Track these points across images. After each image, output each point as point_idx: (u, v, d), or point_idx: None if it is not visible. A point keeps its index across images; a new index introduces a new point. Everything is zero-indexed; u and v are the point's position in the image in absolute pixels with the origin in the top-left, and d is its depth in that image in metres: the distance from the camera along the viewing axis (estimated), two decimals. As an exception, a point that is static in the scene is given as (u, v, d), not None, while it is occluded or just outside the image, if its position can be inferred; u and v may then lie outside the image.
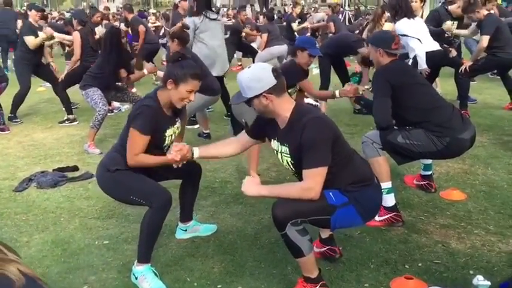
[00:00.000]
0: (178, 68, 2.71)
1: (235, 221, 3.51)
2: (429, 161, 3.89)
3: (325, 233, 2.90)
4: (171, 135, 2.90)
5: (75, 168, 4.62)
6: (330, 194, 2.37)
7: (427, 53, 5.26)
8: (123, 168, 2.78)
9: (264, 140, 2.73)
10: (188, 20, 5.81)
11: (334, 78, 6.58)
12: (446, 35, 6.53)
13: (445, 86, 7.28)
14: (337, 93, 4.33)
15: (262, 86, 2.35)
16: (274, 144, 2.54)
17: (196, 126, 5.99)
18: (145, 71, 5.25)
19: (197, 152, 2.75)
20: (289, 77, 3.95)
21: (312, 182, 2.28)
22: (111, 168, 2.81)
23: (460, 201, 3.68)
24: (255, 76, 2.39)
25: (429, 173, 3.92)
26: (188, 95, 2.74)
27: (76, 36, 6.33)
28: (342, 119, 6.24)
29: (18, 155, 5.19)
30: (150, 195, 2.73)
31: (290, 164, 2.49)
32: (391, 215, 3.33)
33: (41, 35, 6.53)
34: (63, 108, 6.78)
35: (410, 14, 5.38)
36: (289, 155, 2.45)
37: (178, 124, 2.95)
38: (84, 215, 3.68)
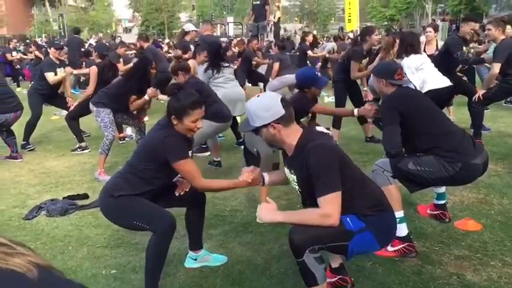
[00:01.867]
0: (176, 102, 2.70)
1: (244, 250, 3.45)
2: (442, 190, 3.82)
3: (335, 263, 2.84)
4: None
5: (85, 196, 4.61)
6: (347, 219, 2.33)
7: (436, 90, 5.21)
8: (127, 193, 2.76)
9: None
10: (202, 73, 5.82)
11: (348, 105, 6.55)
12: (462, 66, 6.53)
13: (458, 115, 7.23)
14: (355, 111, 4.32)
15: (270, 115, 2.34)
16: (287, 171, 2.52)
17: (207, 153, 5.99)
18: (146, 96, 5.28)
19: (267, 178, 2.77)
20: (300, 105, 3.98)
21: (330, 208, 2.23)
22: (114, 193, 2.78)
23: (476, 231, 3.59)
24: (264, 105, 2.38)
25: (443, 202, 3.84)
26: (194, 125, 2.74)
27: (93, 71, 6.43)
28: (353, 148, 6.18)
29: (29, 182, 5.21)
30: (153, 220, 2.71)
31: (299, 192, 2.45)
32: (404, 245, 3.25)
33: (61, 72, 6.70)
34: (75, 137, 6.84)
35: (419, 50, 5.47)
36: (297, 183, 2.43)
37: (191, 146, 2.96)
38: (92, 243, 3.65)
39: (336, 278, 2.84)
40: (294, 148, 2.39)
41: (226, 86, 5.74)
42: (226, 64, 5.97)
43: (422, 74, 5.26)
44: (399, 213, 3.28)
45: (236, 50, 11.72)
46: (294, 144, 2.39)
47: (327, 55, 12.00)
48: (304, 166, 2.30)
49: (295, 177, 2.43)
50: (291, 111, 2.39)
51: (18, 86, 14.24)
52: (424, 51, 6.87)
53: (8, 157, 6.12)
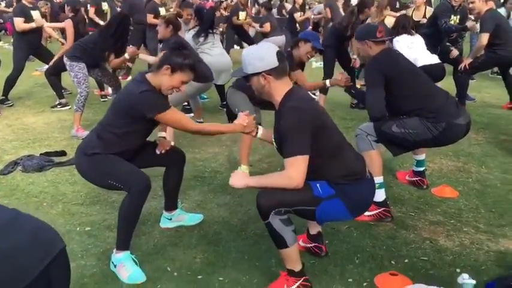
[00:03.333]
0: (179, 57, 2.65)
1: (221, 211, 3.44)
2: (422, 157, 3.83)
3: (313, 229, 2.83)
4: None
5: (62, 153, 4.54)
6: (317, 185, 2.31)
7: (425, 66, 5.13)
8: (100, 152, 2.70)
9: None
10: (188, 37, 5.65)
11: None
12: (451, 36, 6.46)
13: (444, 84, 7.17)
14: (327, 82, 4.32)
15: (263, 65, 2.30)
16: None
17: (191, 114, 5.91)
18: (126, 55, 5.14)
19: (261, 130, 2.76)
20: None
21: (293, 171, 2.21)
22: (87, 151, 2.72)
23: (452, 198, 3.61)
24: (259, 54, 2.35)
25: (422, 169, 3.85)
26: (180, 85, 2.69)
27: (69, 24, 6.21)
28: (338, 113, 6.16)
29: (6, 138, 5.11)
30: (128, 180, 2.66)
31: (276, 149, 2.45)
32: (380, 210, 3.26)
33: (31, 24, 6.44)
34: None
35: (410, 31, 5.49)
36: (274, 139, 2.43)
37: None
38: (68, 200, 3.61)
39: (311, 245, 2.84)
40: (279, 104, 2.35)
41: (212, 53, 5.58)
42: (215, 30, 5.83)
43: (412, 52, 5.20)
44: (379, 179, 3.28)
45: (225, 13, 11.43)
46: (279, 100, 2.35)
47: (312, 16, 11.68)
48: (278, 126, 2.28)
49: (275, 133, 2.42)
50: (285, 65, 2.34)
51: (-1, 40, 13.87)
52: (412, 17, 6.80)
53: (-15, 112, 6.00)
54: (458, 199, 3.61)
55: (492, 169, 4.22)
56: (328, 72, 6.19)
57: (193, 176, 4.08)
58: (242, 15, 9.60)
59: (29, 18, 6.40)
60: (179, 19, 5.55)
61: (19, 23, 6.37)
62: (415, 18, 6.85)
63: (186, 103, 6.05)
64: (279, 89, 2.33)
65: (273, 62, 2.29)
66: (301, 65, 4.42)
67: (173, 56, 2.67)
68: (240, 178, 2.39)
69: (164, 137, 3.14)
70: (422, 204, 3.53)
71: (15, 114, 6.12)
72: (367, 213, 3.24)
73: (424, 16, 7.10)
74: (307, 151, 2.20)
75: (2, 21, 15.47)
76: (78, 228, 3.18)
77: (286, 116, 2.24)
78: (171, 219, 3.20)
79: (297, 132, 2.21)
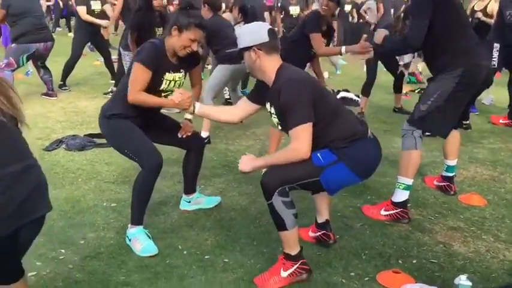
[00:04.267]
0: (185, 16, 2.75)
1: (241, 199, 3.53)
2: (453, 163, 3.74)
3: (320, 218, 2.87)
4: (171, 81, 2.88)
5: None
6: (318, 155, 2.39)
7: None
8: (116, 112, 2.83)
9: (264, 104, 2.66)
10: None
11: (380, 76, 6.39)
12: None
13: (497, 93, 6.91)
14: (343, 49, 4.30)
15: (254, 39, 2.42)
16: (268, 105, 2.57)
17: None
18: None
19: (198, 106, 2.81)
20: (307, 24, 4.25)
21: (298, 142, 2.30)
22: (106, 113, 2.89)
23: (478, 206, 3.51)
24: (251, 29, 2.53)
25: (451, 174, 3.76)
26: (191, 44, 2.76)
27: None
28: (379, 117, 6.10)
29: (57, 119, 5.46)
30: (142, 155, 2.79)
31: (278, 125, 2.54)
32: (397, 210, 3.24)
33: (93, 20, 6.84)
34: (111, 81, 7.07)
35: None
36: (276, 116, 2.50)
37: (181, 74, 2.94)
38: (101, 178, 3.83)
39: (319, 233, 2.88)
40: (272, 81, 2.44)
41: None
42: None
43: None
44: (408, 181, 3.28)
45: None
46: (272, 77, 2.44)
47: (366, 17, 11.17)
48: (278, 101, 2.37)
49: (273, 110, 2.49)
50: (276, 43, 2.46)
51: (70, 30, 14.65)
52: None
53: (44, 94, 6.45)
54: (485, 208, 3.50)
55: (529, 181, 4.05)
56: (370, 75, 6.09)
57: (222, 165, 4.20)
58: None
59: (88, 8, 6.81)
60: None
61: (82, 12, 6.79)
62: (477, 8, 6.55)
63: (228, 96, 6.20)
64: (271, 65, 2.43)
65: (264, 38, 2.41)
66: (328, 31, 4.50)
67: (180, 17, 2.77)
68: (248, 162, 2.48)
69: (190, 120, 3.21)
70: (445, 209, 3.46)
71: (70, 98, 6.52)
72: (384, 212, 3.26)
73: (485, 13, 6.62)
74: (310, 119, 2.30)
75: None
76: (104, 204, 3.38)
77: (285, 90, 2.33)
78: (189, 202, 3.33)
79: (298, 103, 2.31)
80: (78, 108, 6.03)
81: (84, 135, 4.74)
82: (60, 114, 5.65)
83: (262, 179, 2.40)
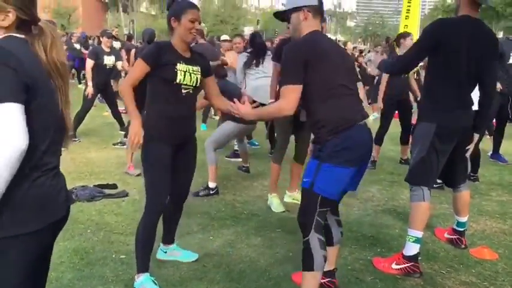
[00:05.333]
0: (175, 5, 2.87)
1: (250, 251, 3.51)
2: (464, 219, 3.73)
3: (329, 266, 2.85)
4: (185, 72, 2.83)
5: (114, 186, 4.84)
6: (303, 178, 2.53)
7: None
8: (148, 127, 2.79)
9: None
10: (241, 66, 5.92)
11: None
12: None
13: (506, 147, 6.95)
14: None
15: (304, 0, 2.55)
16: None
17: (240, 159, 6.10)
18: None
19: None
20: None
21: (284, 101, 2.44)
22: (145, 135, 2.78)
23: (490, 260, 3.47)
24: None
25: (462, 229, 3.74)
26: (192, 25, 2.81)
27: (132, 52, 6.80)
28: (386, 168, 6.13)
29: (67, 169, 5.51)
30: (151, 190, 2.84)
31: None
32: (409, 264, 3.21)
33: (110, 61, 7.17)
34: (120, 132, 7.19)
35: None
36: None
37: (197, 69, 2.91)
38: (110, 229, 3.83)
39: (325, 280, 2.86)
40: None
41: (251, 83, 5.62)
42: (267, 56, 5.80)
43: None
44: (418, 233, 3.28)
45: None
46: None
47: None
48: None
49: None
50: (322, 8, 2.61)
51: (80, 82, 15.00)
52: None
53: (54, 145, 6.52)
54: (496, 262, 3.46)
55: (540, 235, 4.01)
56: (384, 124, 6.16)
57: (231, 216, 4.21)
58: None
59: (100, 61, 7.04)
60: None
61: (88, 65, 7.06)
62: None
63: (236, 148, 6.26)
64: (310, 28, 2.53)
65: (314, 1, 2.56)
66: None
67: (172, 9, 2.87)
68: (248, 114, 2.65)
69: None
70: (456, 263, 3.42)
71: (80, 149, 6.60)
72: (395, 266, 3.24)
73: None
74: (298, 81, 2.40)
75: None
76: (114, 255, 3.36)
77: (284, 51, 2.48)
78: (166, 252, 3.33)
79: (291, 62, 2.44)
80: (88, 158, 6.10)
81: (94, 185, 4.78)
82: (69, 165, 5.70)
83: (298, 218, 2.58)
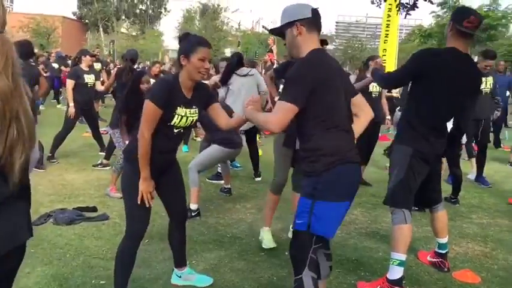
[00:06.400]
0: (186, 42, 2.77)
1: (234, 276, 3.46)
2: (444, 241, 3.75)
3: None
4: (183, 117, 2.80)
5: (93, 209, 4.75)
6: (296, 221, 2.41)
7: None
8: (134, 150, 2.77)
9: None
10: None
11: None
12: None
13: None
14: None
15: (296, 14, 2.44)
16: None
17: (221, 181, 6.06)
18: None
19: None
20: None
21: (276, 116, 2.29)
22: (128, 156, 2.86)
23: (473, 284, 3.49)
24: (294, 6, 2.51)
25: (444, 251, 3.76)
26: (202, 64, 2.72)
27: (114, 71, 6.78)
28: (369, 190, 6.14)
29: (46, 192, 5.40)
30: (131, 216, 2.78)
31: None
32: (393, 289, 3.20)
33: (91, 79, 7.09)
34: (100, 153, 7.09)
35: None
36: None
37: (194, 110, 2.87)
38: (90, 254, 3.74)
39: None
40: None
41: (242, 97, 5.77)
42: (245, 72, 6.02)
43: None
44: (402, 256, 3.28)
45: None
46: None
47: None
48: None
49: None
50: (318, 22, 2.47)
51: (58, 102, 14.84)
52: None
53: (32, 166, 6.38)
54: (479, 285, 3.48)
55: (521, 257, 4.06)
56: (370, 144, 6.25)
57: (213, 239, 4.15)
58: None
59: (81, 81, 6.98)
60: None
61: (69, 85, 6.99)
62: None
63: (219, 170, 6.22)
64: (308, 44, 2.42)
65: (307, 14, 2.43)
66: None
67: (182, 46, 2.79)
68: (248, 110, 2.53)
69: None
70: (439, 287, 3.43)
71: (58, 170, 6.48)
72: (380, 292, 3.21)
73: None
74: (296, 102, 2.26)
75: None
76: (93, 281, 3.28)
77: (294, 67, 2.36)
78: (180, 276, 3.27)
79: (293, 82, 2.32)
80: (67, 181, 5.98)
81: (73, 208, 4.68)
82: (48, 187, 5.58)
83: (290, 252, 2.46)
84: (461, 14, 3.20)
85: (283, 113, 2.28)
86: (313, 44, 2.44)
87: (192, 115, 2.85)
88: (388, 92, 6.98)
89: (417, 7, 9.00)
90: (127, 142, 5.12)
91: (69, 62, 18.11)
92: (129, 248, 2.81)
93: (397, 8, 10.08)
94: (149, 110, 2.68)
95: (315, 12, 2.46)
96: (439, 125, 3.34)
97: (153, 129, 2.70)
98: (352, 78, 11.06)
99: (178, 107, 2.76)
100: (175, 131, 2.84)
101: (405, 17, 9.64)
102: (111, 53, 41.67)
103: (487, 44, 31.31)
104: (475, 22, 3.16)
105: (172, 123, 2.77)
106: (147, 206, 2.79)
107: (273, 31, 2.73)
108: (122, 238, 2.83)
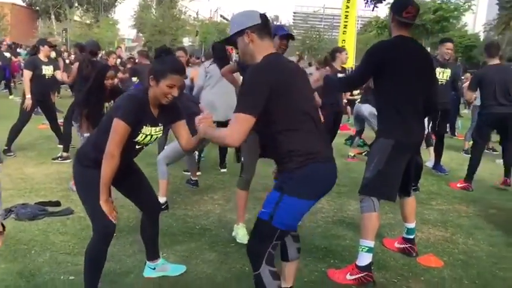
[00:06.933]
0: (159, 64, 2.69)
1: (206, 267, 3.46)
2: (412, 225, 3.88)
3: (285, 283, 2.84)
4: (147, 135, 2.77)
5: (57, 204, 4.62)
6: (262, 209, 2.40)
7: None
8: (89, 157, 2.73)
9: None
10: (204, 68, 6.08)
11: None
12: None
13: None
14: None
15: (245, 22, 2.41)
16: None
17: (188, 173, 6.01)
18: None
19: None
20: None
21: (230, 129, 2.26)
22: (82, 161, 2.78)
23: (436, 268, 3.63)
24: (243, 13, 2.50)
25: (411, 236, 3.89)
26: (169, 90, 2.65)
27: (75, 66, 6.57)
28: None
29: (4, 186, 5.18)
30: (96, 218, 2.69)
31: None
32: (362, 274, 3.29)
33: (49, 71, 6.84)
34: (59, 146, 6.88)
35: None
36: None
37: (159, 129, 2.83)
38: (56, 249, 3.65)
39: None
40: None
41: (215, 88, 5.86)
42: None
43: None
44: (370, 243, 3.38)
45: None
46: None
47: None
48: None
49: None
50: (268, 26, 2.44)
51: (11, 93, 14.29)
52: None
53: (-13, 160, 6.16)
54: (442, 269, 3.62)
55: (479, 241, 4.24)
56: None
57: (182, 231, 4.13)
58: None
59: (38, 71, 6.74)
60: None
61: (26, 76, 6.72)
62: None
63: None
64: (262, 50, 2.39)
65: (256, 20, 2.40)
66: None
67: (154, 66, 2.72)
68: (203, 127, 2.52)
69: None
70: (406, 271, 3.54)
71: (16, 164, 6.26)
72: (349, 276, 3.30)
73: None
74: (252, 112, 2.22)
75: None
76: (62, 277, 3.20)
77: (248, 73, 2.32)
78: (154, 268, 3.24)
79: (247, 91, 2.29)
80: (26, 174, 5.79)
81: (35, 203, 4.54)
82: (6, 182, 5.38)
83: (247, 250, 2.42)
84: (400, 6, 3.39)
85: (239, 125, 2.24)
86: (267, 49, 2.41)
87: (156, 133, 2.83)
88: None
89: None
90: (86, 135, 5.04)
91: (19, 50, 17.53)
92: (98, 246, 2.72)
93: (365, 1, 10.23)
94: (120, 129, 2.59)
95: (264, 18, 2.45)
96: (415, 109, 3.42)
97: (121, 148, 2.62)
98: (313, 69, 11.19)
99: (144, 126, 2.72)
100: (138, 147, 2.83)
101: (373, 10, 9.82)
102: (65, 41, 40.37)
103: (439, 36, 32.37)
104: (413, 11, 3.35)
105: (136, 140, 2.75)
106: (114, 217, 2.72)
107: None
108: (92, 237, 2.72)
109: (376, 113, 3.74)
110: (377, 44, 3.60)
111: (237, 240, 3.96)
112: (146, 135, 2.76)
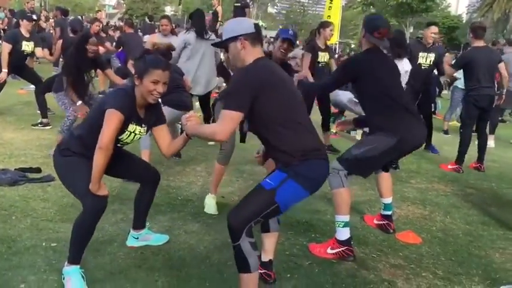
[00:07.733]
0: (141, 62, 2.73)
1: (188, 238, 3.48)
2: (389, 201, 3.95)
3: (265, 257, 2.89)
4: (131, 133, 2.80)
5: (37, 170, 4.56)
6: (267, 180, 2.45)
7: None
8: (75, 152, 2.74)
9: None
10: (182, 37, 5.99)
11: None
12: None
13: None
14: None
15: (239, 29, 2.50)
16: None
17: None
18: None
19: None
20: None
21: (220, 125, 2.37)
22: (62, 151, 2.78)
23: (415, 244, 3.72)
24: (238, 21, 2.66)
25: (389, 213, 3.96)
26: (154, 87, 2.68)
27: (59, 44, 6.38)
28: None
29: (-18, 151, 5.11)
30: (85, 196, 2.65)
31: None
32: (343, 248, 3.34)
33: (29, 47, 6.67)
34: (38, 112, 6.75)
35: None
36: None
37: (142, 129, 2.87)
38: (37, 216, 3.62)
39: (261, 271, 2.87)
40: None
41: (195, 61, 5.89)
42: (207, 36, 6.01)
43: None
44: (344, 217, 3.41)
45: None
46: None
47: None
48: None
49: None
50: (260, 35, 2.55)
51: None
52: None
53: (-36, 124, 6.00)
54: (420, 245, 3.71)
55: (456, 220, 4.35)
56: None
57: (165, 202, 4.13)
58: None
59: (18, 47, 6.54)
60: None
61: (5, 49, 6.51)
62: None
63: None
64: (253, 56, 2.49)
65: (250, 29, 2.50)
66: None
67: (137, 64, 2.77)
68: (191, 126, 2.58)
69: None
70: (385, 247, 3.62)
71: (-5, 129, 6.14)
72: (330, 250, 3.36)
73: None
74: (240, 108, 2.34)
75: None
76: (44, 244, 3.18)
77: (236, 73, 2.44)
78: (137, 238, 3.24)
79: (235, 90, 2.40)
80: (5, 140, 5.68)
81: (15, 169, 4.47)
82: (-16, 146, 5.29)
83: (228, 221, 2.40)
84: (372, 26, 3.49)
85: (228, 121, 2.35)
86: (257, 55, 2.51)
87: (140, 133, 2.86)
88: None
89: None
90: (78, 103, 4.96)
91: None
92: (89, 222, 2.68)
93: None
94: (115, 118, 2.60)
95: (258, 28, 2.55)
96: (409, 106, 3.55)
97: (114, 140, 2.63)
98: (299, 51, 11.12)
99: (130, 124, 2.74)
100: (119, 144, 2.84)
101: None
102: (42, 5, 39.20)
103: (422, 15, 32.44)
104: (384, 33, 3.48)
105: (120, 137, 2.75)
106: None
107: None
108: (82, 212, 2.68)
109: (356, 100, 3.81)
110: (350, 59, 3.91)
111: (205, 211, 4.01)
112: (130, 133, 2.80)
